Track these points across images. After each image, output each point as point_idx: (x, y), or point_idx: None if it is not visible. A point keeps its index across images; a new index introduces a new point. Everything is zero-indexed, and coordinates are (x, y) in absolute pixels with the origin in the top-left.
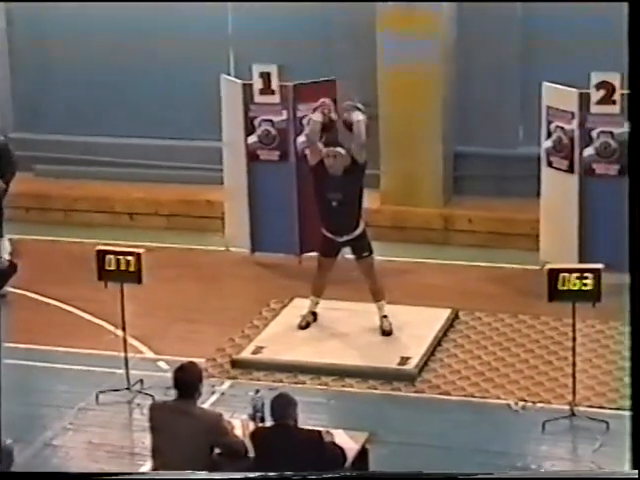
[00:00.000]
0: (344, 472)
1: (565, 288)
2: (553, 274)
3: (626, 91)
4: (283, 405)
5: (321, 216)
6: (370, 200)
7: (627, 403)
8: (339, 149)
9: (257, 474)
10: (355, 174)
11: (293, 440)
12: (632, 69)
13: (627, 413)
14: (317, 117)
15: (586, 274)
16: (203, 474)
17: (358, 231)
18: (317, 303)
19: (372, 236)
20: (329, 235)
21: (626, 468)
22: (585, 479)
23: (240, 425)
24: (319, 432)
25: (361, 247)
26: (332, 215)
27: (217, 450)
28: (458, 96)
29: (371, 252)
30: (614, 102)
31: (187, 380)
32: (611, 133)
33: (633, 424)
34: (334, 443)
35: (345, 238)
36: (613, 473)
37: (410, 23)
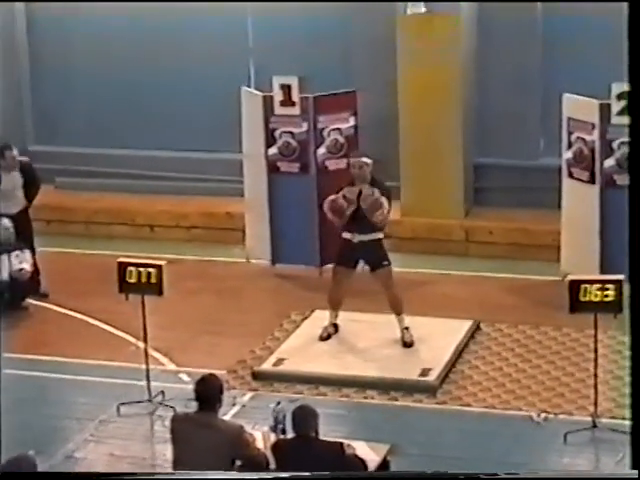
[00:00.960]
0: None
1: (587, 299)
2: (575, 285)
3: None
4: (304, 416)
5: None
6: (391, 212)
7: None
8: (365, 159)
9: (258, 475)
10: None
11: (314, 452)
12: (632, 69)
13: None
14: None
15: (607, 285)
16: (204, 474)
17: (375, 235)
18: (337, 315)
19: (393, 247)
20: (346, 235)
21: None
22: (586, 479)
23: (261, 437)
24: (341, 444)
25: (378, 257)
26: (351, 217)
27: (238, 462)
28: (478, 106)
29: (389, 262)
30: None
31: (208, 392)
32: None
33: (633, 424)
34: (356, 455)
35: (362, 238)
36: (613, 473)
37: (430, 32)
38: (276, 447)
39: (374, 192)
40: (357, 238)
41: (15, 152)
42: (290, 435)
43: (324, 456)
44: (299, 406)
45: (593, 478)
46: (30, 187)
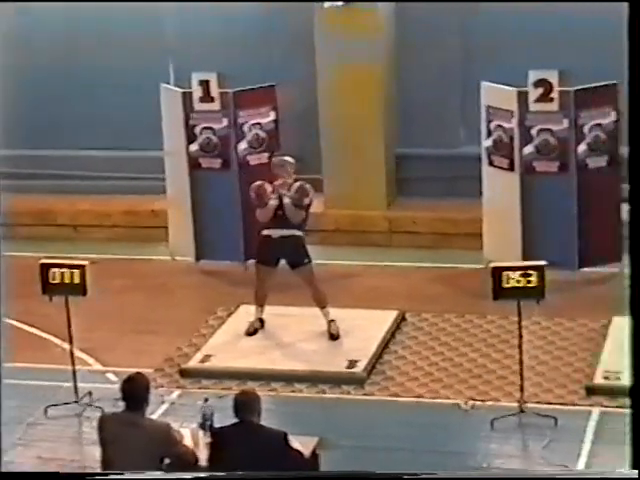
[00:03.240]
0: None
1: (509, 286)
2: (497, 272)
3: (564, 88)
4: (247, 401)
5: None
6: (314, 204)
7: (574, 398)
8: (287, 157)
9: (253, 473)
10: None
11: (258, 439)
12: (632, 69)
13: (576, 408)
14: (273, 204)
15: (530, 271)
16: (200, 474)
17: (295, 231)
18: (262, 310)
19: (317, 240)
20: (266, 232)
21: (578, 464)
22: (585, 479)
23: (190, 434)
24: (285, 434)
25: (299, 255)
26: (272, 213)
27: (167, 460)
28: (399, 98)
29: (309, 260)
30: (552, 100)
31: (135, 391)
32: (550, 130)
33: (633, 424)
34: (295, 448)
35: (282, 233)
36: (613, 473)
37: (349, 24)
38: (217, 434)
39: (301, 188)
40: (277, 234)
41: None
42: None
43: (268, 444)
44: (241, 391)
45: (593, 478)
46: None
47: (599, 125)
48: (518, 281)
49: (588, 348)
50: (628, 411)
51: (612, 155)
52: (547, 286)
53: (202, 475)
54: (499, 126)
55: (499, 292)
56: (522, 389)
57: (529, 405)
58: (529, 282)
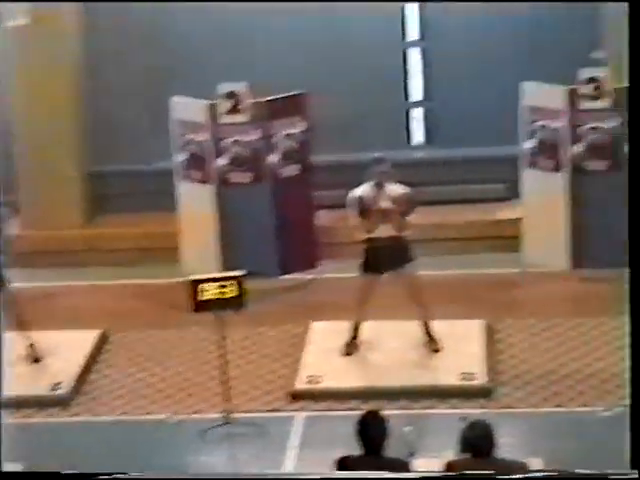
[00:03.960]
0: None
1: (208, 298)
2: (195, 285)
3: (260, 99)
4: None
5: None
6: (11, 227)
7: (279, 404)
8: None
9: (257, 474)
10: None
11: None
12: (632, 69)
13: (281, 414)
14: None
15: (227, 282)
16: (201, 474)
17: None
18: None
19: (14, 263)
20: None
21: (285, 469)
22: (585, 479)
23: None
24: None
25: None
26: None
27: None
28: (93, 115)
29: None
30: (239, 111)
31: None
32: (240, 142)
33: (632, 424)
34: None
35: None
36: (613, 473)
37: (35, 43)
38: None
39: None
40: None
41: None
42: None
43: None
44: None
45: (593, 478)
46: None
47: (290, 135)
48: (215, 293)
49: (291, 354)
50: (335, 414)
51: (304, 164)
52: (249, 295)
53: (203, 476)
54: (193, 140)
55: (199, 304)
56: (228, 399)
57: (235, 415)
58: (227, 293)
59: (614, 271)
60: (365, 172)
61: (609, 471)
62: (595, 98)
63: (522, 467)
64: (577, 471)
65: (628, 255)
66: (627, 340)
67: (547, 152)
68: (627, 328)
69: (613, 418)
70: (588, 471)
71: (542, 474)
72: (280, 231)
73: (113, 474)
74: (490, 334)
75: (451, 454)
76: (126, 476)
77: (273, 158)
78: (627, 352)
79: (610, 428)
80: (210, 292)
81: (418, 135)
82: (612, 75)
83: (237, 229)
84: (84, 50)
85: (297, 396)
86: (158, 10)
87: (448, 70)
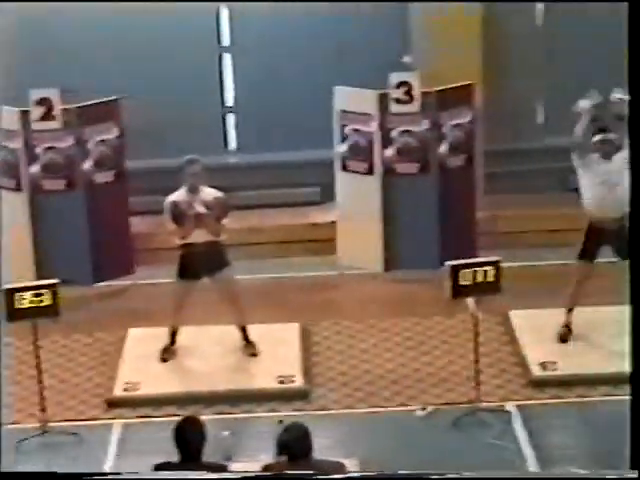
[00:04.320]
0: None
1: (24, 306)
2: (10, 294)
3: (72, 105)
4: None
5: None
6: None
7: (96, 412)
8: None
9: (255, 474)
10: None
11: None
12: (632, 69)
13: (99, 422)
14: None
15: (42, 290)
16: (201, 474)
17: None
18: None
19: None
20: None
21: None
22: (585, 479)
23: None
24: None
25: None
26: None
27: None
28: None
29: None
30: (52, 117)
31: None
32: (54, 147)
33: (632, 423)
34: None
35: None
36: (613, 473)
37: None
38: None
39: None
40: None
41: None
42: None
43: None
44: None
45: (593, 478)
46: None
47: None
48: (31, 301)
49: (107, 362)
50: (153, 420)
51: (118, 170)
52: (64, 303)
53: (207, 476)
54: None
55: (13, 313)
56: (44, 409)
57: (52, 424)
58: (41, 301)
59: (425, 272)
60: (179, 176)
61: (608, 471)
62: (405, 102)
63: (339, 468)
64: (576, 471)
65: (629, 254)
66: (442, 339)
67: (360, 155)
68: (441, 327)
69: (428, 417)
70: (588, 471)
71: (359, 474)
72: (94, 238)
73: (113, 474)
74: (307, 337)
75: (268, 457)
76: (126, 476)
77: (86, 164)
78: (442, 350)
79: (425, 427)
80: (25, 301)
81: (233, 140)
82: (421, 79)
83: (51, 237)
84: None
85: (114, 404)
86: None
87: (260, 74)
